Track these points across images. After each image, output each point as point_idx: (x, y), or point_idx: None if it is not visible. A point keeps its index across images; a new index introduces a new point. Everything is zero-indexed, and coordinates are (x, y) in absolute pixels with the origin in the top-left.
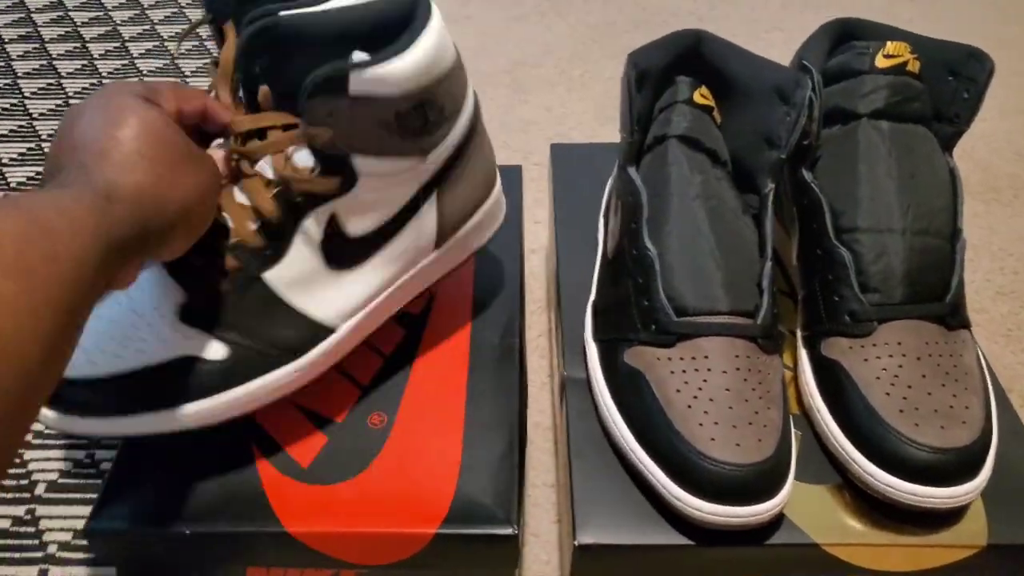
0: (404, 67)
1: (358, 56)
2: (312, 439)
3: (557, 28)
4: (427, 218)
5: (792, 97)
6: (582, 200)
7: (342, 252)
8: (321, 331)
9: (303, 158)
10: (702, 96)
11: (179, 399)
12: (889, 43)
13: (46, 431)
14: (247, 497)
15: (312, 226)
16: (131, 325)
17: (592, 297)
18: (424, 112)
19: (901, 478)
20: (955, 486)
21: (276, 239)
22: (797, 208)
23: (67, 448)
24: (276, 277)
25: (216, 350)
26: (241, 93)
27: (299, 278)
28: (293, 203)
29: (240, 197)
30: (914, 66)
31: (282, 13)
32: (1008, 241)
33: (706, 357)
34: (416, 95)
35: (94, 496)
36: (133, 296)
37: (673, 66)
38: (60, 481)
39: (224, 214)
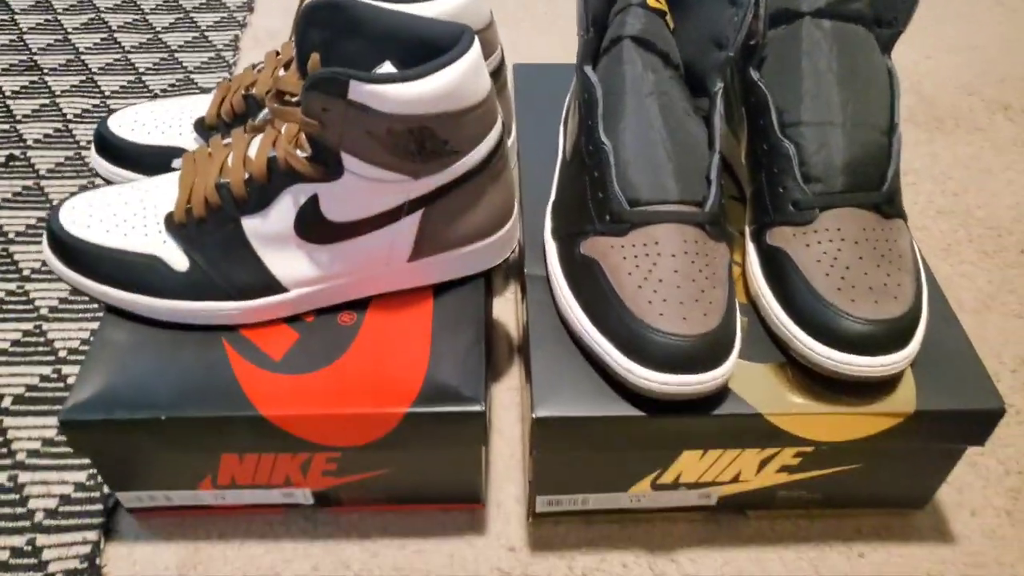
0: (404, 93)
1: (384, 69)
2: (283, 335)
3: None
4: (406, 230)
5: None
6: (544, 115)
7: (315, 228)
8: (275, 286)
9: (304, 139)
10: (656, 1)
11: (144, 290)
12: None
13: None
14: (221, 385)
15: (294, 197)
16: (132, 212)
17: (552, 198)
18: (420, 139)
19: (838, 349)
20: (887, 355)
21: (259, 196)
22: (745, 108)
23: (32, 364)
24: (252, 225)
25: (181, 262)
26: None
27: (271, 234)
28: (280, 172)
29: (253, 147)
30: None
31: None
32: (949, 166)
33: (656, 243)
34: (413, 121)
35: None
36: (149, 189)
37: None
38: (27, 395)
39: (231, 154)
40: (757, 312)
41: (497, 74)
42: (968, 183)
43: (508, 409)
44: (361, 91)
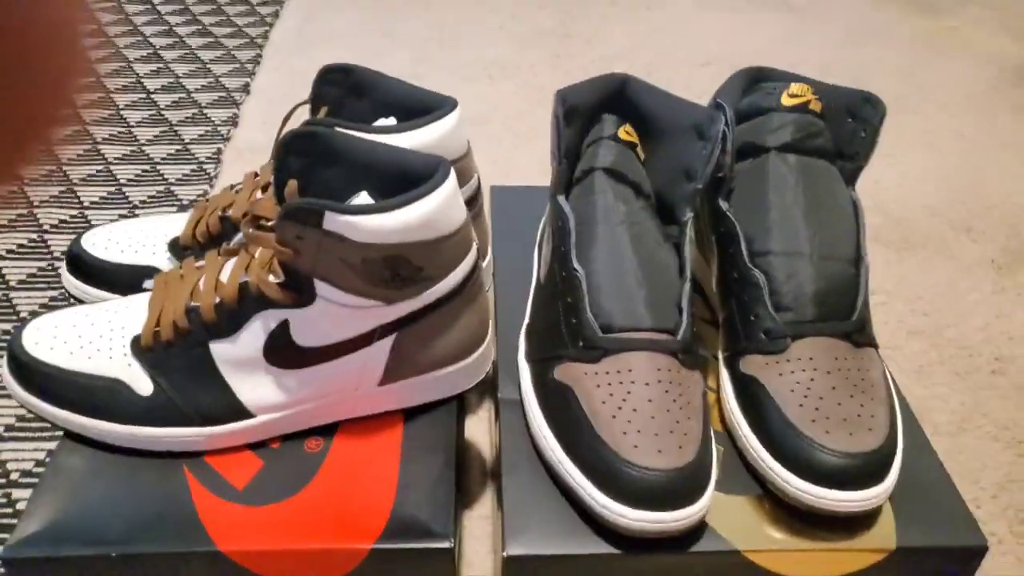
0: (380, 224)
1: (360, 199)
2: (247, 462)
3: (505, 88)
4: (378, 355)
5: (707, 132)
6: (519, 236)
7: (284, 353)
8: (241, 412)
9: (276, 265)
10: (626, 133)
11: (104, 415)
12: (793, 84)
13: None
14: (178, 518)
15: (264, 322)
16: (98, 334)
17: (526, 320)
18: (395, 266)
19: (814, 483)
20: (864, 489)
21: (229, 320)
22: (716, 237)
23: None
24: (221, 350)
25: (145, 386)
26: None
27: (240, 359)
28: (252, 298)
29: (226, 271)
30: (816, 106)
31: (320, 129)
32: (918, 286)
33: (630, 371)
34: (388, 250)
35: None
36: (117, 311)
37: (600, 104)
38: None
39: (203, 277)
40: (733, 442)
41: (473, 201)
42: (938, 303)
43: (479, 539)
44: (336, 221)
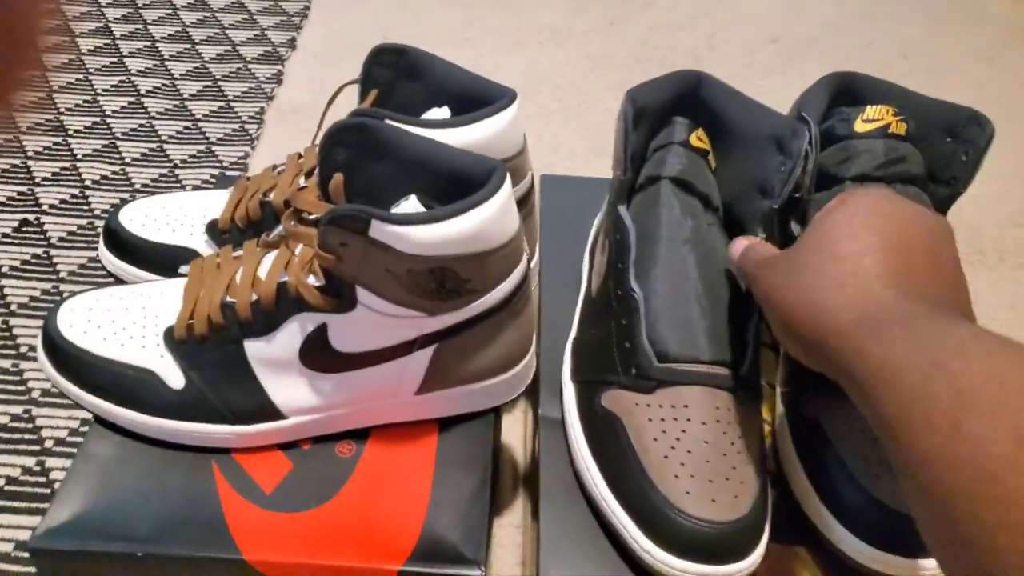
0: (428, 235)
1: (409, 204)
2: (277, 464)
3: (556, 56)
4: (416, 364)
5: (788, 147)
6: (568, 235)
7: (321, 357)
8: (273, 412)
9: (317, 266)
10: (699, 139)
11: (135, 405)
12: (869, 107)
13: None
14: (205, 520)
15: (301, 324)
16: (132, 320)
17: (572, 335)
18: (441, 279)
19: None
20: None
21: (265, 320)
22: None
23: (16, 454)
24: (255, 349)
25: (176, 379)
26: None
27: (274, 360)
28: (289, 299)
29: (264, 266)
30: (898, 128)
31: (370, 121)
32: (992, 307)
33: (686, 406)
34: (435, 262)
35: (43, 506)
36: (152, 296)
37: (671, 106)
38: (7, 488)
39: (241, 270)
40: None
41: (525, 200)
42: (1015, 325)
43: (507, 549)
44: (383, 230)
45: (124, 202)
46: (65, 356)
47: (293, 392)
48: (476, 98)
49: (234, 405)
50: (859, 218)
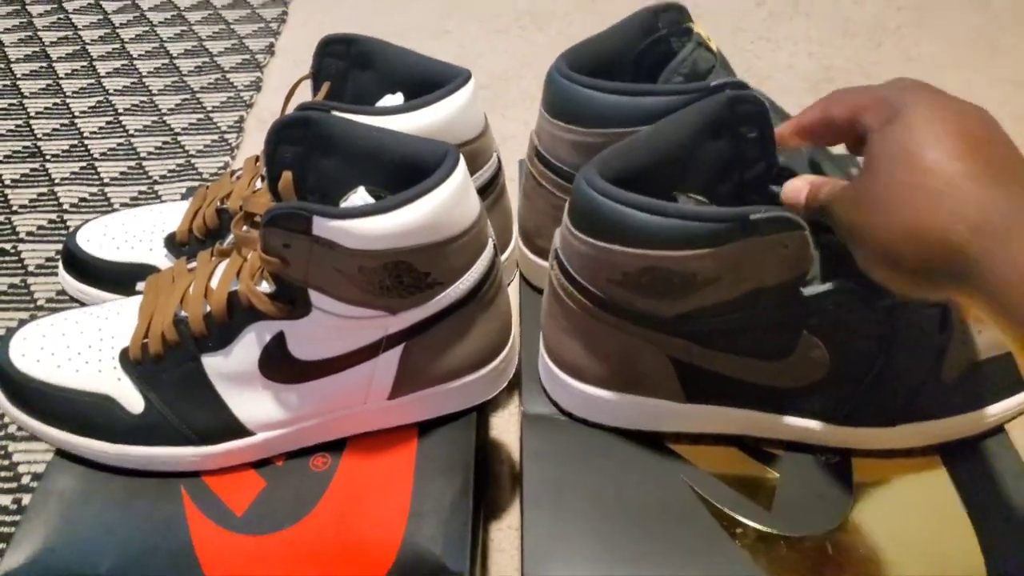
0: (376, 228)
1: (357, 197)
2: (248, 483)
3: (537, 40)
4: (385, 367)
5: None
6: None
7: (282, 367)
8: (239, 430)
9: (268, 274)
10: None
11: (94, 433)
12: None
13: None
14: (173, 549)
15: (258, 335)
16: (87, 343)
17: None
18: (397, 273)
19: None
20: None
21: (220, 333)
22: None
23: None
24: (213, 364)
25: (136, 403)
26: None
27: (235, 374)
28: (242, 309)
29: (216, 276)
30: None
31: (315, 114)
32: None
33: None
34: (387, 256)
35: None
36: (108, 317)
37: None
38: None
39: (193, 284)
40: None
41: (492, 184)
42: None
43: (506, 553)
44: (327, 227)
45: (105, 209)
46: (18, 388)
47: (258, 407)
48: (430, 82)
49: (197, 425)
50: (931, 124)
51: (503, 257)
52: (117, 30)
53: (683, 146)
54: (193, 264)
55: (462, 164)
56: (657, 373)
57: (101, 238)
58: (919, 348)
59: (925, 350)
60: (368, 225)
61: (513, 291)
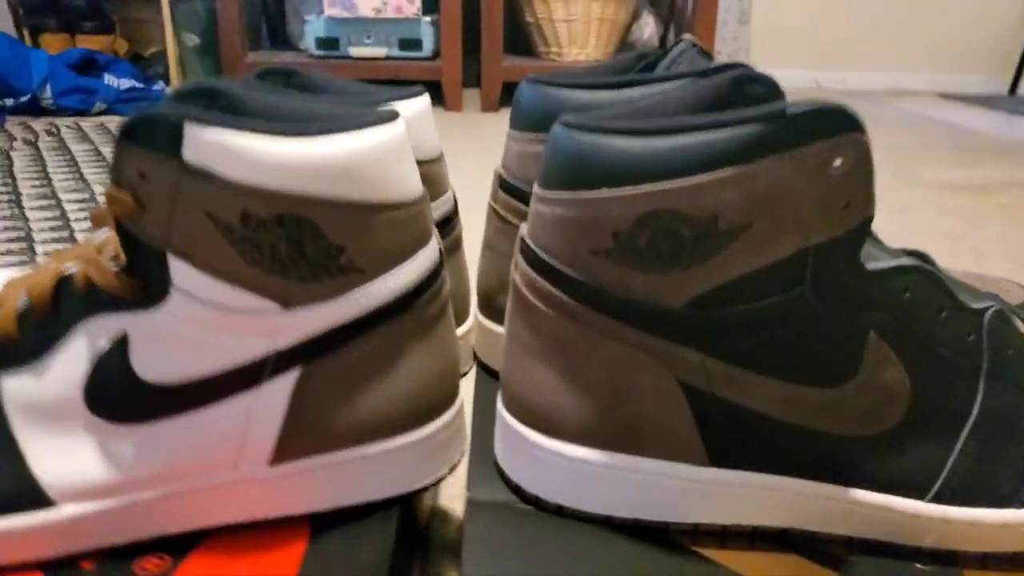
0: (271, 152)
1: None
2: None
3: None
4: (270, 404)
5: None
6: None
7: (117, 395)
8: (34, 497)
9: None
10: None
11: None
12: None
13: None
14: None
15: (90, 338)
16: None
17: None
18: (297, 237)
19: None
20: None
21: (36, 336)
22: None
23: None
24: (15, 388)
25: None
26: None
27: (43, 405)
28: (74, 297)
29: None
30: None
31: (224, 84)
32: None
33: None
34: (285, 203)
35: None
36: None
37: None
38: None
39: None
40: None
41: (447, 226)
42: None
43: None
44: (203, 143)
45: None
46: None
47: (71, 460)
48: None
49: None
50: None
51: (459, 331)
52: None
53: None
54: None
55: (402, 126)
56: (664, 413)
57: None
58: None
59: None
60: (263, 146)
61: (467, 383)
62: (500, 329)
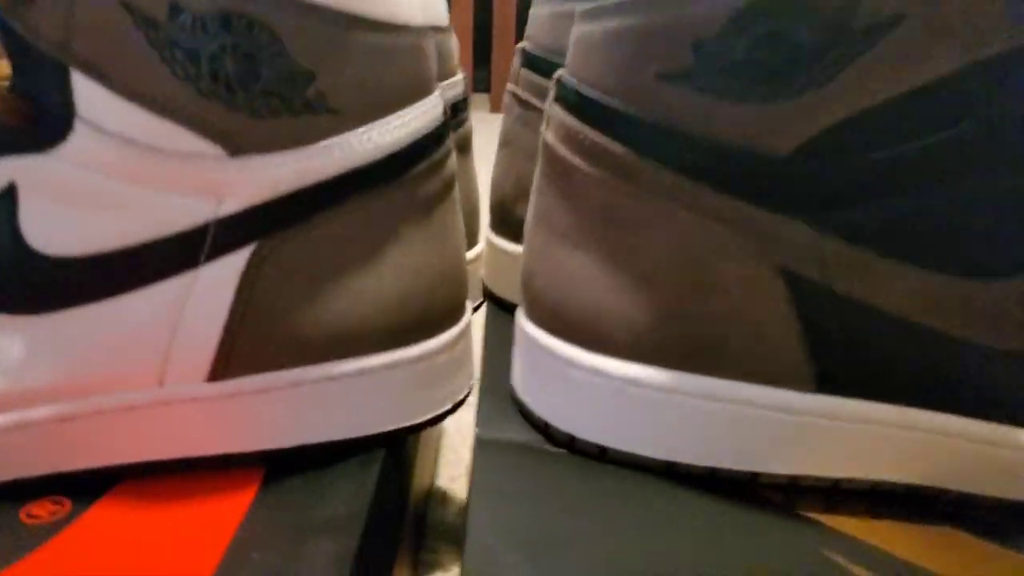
0: None
1: None
2: None
3: None
4: (205, 298)
5: None
6: None
7: (4, 273)
8: None
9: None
10: None
11: None
12: None
13: None
14: None
15: None
16: None
17: None
18: (249, 51)
19: None
20: None
21: None
22: None
23: None
24: None
25: None
26: None
27: None
28: None
29: None
30: None
31: None
32: None
33: None
34: None
35: None
36: None
37: None
38: None
39: None
40: None
41: (457, 116)
42: None
43: None
44: None
45: None
46: None
47: None
48: None
49: None
50: None
51: (468, 256)
52: None
53: None
54: None
55: None
56: (756, 315)
57: None
58: None
59: None
60: None
61: (477, 321)
62: (511, 246)
